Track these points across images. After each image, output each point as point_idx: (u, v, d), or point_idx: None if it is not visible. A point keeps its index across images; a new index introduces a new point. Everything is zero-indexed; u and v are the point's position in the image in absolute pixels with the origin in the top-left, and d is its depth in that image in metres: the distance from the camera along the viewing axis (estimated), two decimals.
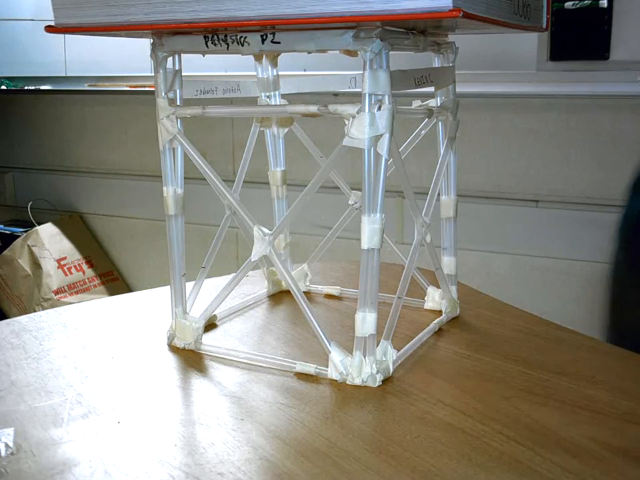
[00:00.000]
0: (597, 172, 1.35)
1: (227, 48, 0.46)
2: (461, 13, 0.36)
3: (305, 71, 1.76)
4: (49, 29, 0.47)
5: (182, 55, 0.50)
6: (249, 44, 0.45)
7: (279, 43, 0.44)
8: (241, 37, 0.45)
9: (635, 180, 0.81)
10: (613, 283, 0.78)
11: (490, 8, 0.41)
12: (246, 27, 0.43)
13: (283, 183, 0.63)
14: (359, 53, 0.43)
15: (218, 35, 0.46)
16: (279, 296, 0.65)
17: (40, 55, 2.33)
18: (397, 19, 0.38)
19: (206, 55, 0.50)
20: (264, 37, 0.44)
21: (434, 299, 0.60)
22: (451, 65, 0.54)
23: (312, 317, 0.48)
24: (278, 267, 0.50)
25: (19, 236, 2.20)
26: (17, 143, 2.07)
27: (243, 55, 0.47)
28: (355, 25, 0.41)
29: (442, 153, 0.55)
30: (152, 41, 0.49)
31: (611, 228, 1.35)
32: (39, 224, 2.21)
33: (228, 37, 0.45)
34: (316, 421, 0.42)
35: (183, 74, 0.50)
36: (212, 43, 0.46)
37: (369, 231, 0.44)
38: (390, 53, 0.43)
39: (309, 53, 0.44)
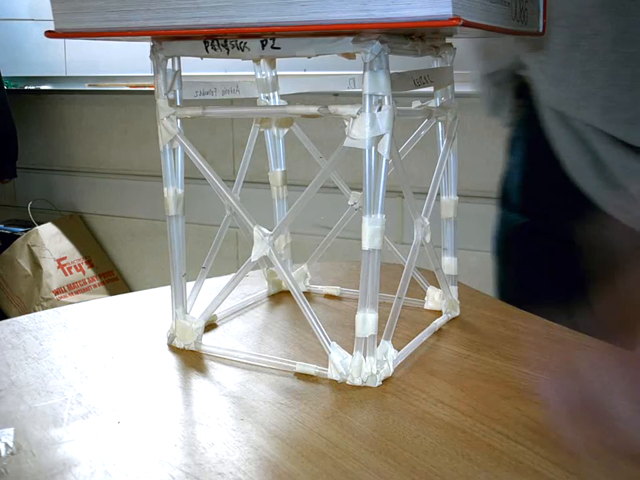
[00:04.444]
0: None
1: (227, 53, 0.46)
2: (461, 21, 0.36)
3: (305, 71, 1.76)
4: (49, 34, 0.47)
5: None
6: (249, 49, 0.45)
7: (279, 48, 0.44)
8: (241, 42, 0.45)
9: (501, 194, 0.81)
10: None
11: (489, 15, 0.41)
12: (246, 33, 0.43)
13: (284, 184, 0.63)
14: (357, 55, 0.43)
15: (218, 40, 0.46)
16: (278, 296, 0.65)
17: (40, 55, 2.33)
18: (397, 27, 0.38)
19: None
20: (264, 43, 0.44)
21: (434, 299, 0.60)
22: (449, 65, 0.54)
23: (312, 317, 0.48)
24: (278, 267, 0.50)
25: (19, 236, 2.20)
26: (17, 143, 2.07)
27: (243, 59, 0.47)
28: (355, 31, 0.41)
29: (441, 153, 0.55)
30: (152, 44, 0.49)
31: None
32: (39, 224, 2.21)
33: (228, 42, 0.45)
34: (316, 421, 0.42)
35: (183, 74, 0.50)
36: (212, 48, 0.46)
37: (370, 231, 0.44)
38: (389, 55, 0.43)
39: (309, 57, 0.44)
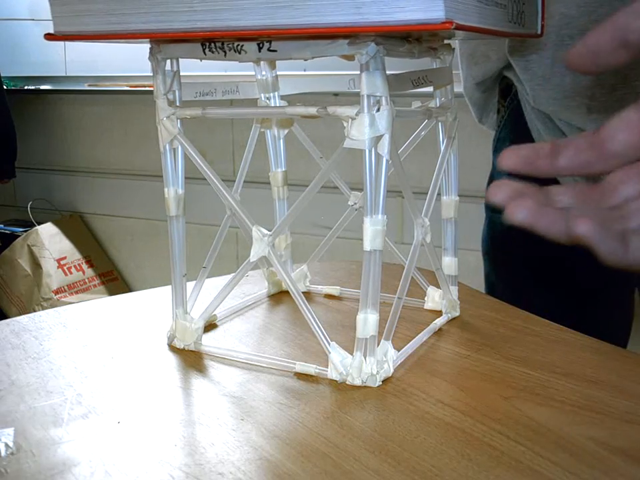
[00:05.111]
0: None
1: (225, 55, 0.46)
2: (454, 25, 0.36)
3: (304, 71, 1.76)
4: (48, 36, 0.47)
5: None
6: (245, 52, 0.45)
7: (276, 51, 0.44)
8: (238, 45, 0.45)
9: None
10: None
11: (484, 17, 0.41)
12: (242, 36, 0.43)
13: (284, 184, 0.63)
14: (355, 56, 0.43)
15: (215, 42, 0.46)
16: (278, 296, 0.65)
17: (40, 55, 2.33)
18: (391, 30, 0.38)
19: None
20: (260, 45, 0.44)
21: (434, 299, 0.60)
22: (447, 66, 0.54)
23: (311, 318, 0.48)
24: (277, 267, 0.50)
25: (19, 236, 2.20)
26: (17, 143, 2.07)
27: (240, 62, 0.47)
28: (350, 34, 0.41)
29: (442, 153, 0.55)
30: (150, 46, 0.49)
31: None
32: (39, 224, 2.21)
33: (225, 45, 0.45)
34: (316, 421, 0.42)
35: (183, 74, 0.50)
36: (209, 50, 0.46)
37: (371, 232, 0.44)
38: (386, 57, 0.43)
39: (306, 60, 0.45)
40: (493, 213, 0.80)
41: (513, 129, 0.77)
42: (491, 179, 0.81)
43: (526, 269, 0.79)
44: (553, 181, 0.37)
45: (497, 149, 0.80)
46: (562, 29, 0.63)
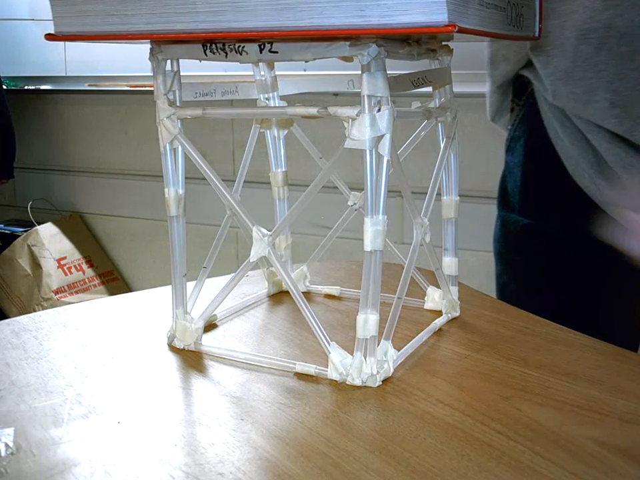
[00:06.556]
0: None
1: (226, 56, 0.46)
2: (456, 28, 0.37)
3: (305, 71, 1.76)
4: (49, 37, 0.47)
5: None
6: (247, 53, 0.45)
7: (277, 52, 0.44)
8: (239, 46, 0.45)
9: (501, 195, 0.81)
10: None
11: (484, 21, 0.42)
12: (244, 37, 0.43)
13: (285, 184, 0.63)
14: (354, 57, 0.43)
15: (216, 43, 0.46)
16: (279, 296, 0.65)
17: (40, 55, 2.33)
18: (394, 32, 0.38)
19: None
20: (262, 47, 0.44)
21: (434, 299, 0.60)
22: (446, 66, 0.54)
23: (311, 318, 0.48)
24: (277, 267, 0.50)
25: (19, 236, 2.20)
26: (16, 143, 2.07)
27: (241, 63, 0.47)
28: (352, 36, 0.41)
29: (441, 153, 0.55)
30: (151, 46, 0.49)
31: None
32: (39, 224, 2.21)
33: (226, 46, 0.46)
34: (316, 421, 0.42)
35: (183, 74, 0.50)
36: (210, 51, 0.46)
37: (372, 232, 0.44)
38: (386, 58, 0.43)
39: (306, 61, 0.45)
40: (505, 212, 0.80)
41: (528, 128, 0.76)
42: (504, 178, 0.81)
43: (538, 269, 0.79)
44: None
45: (511, 148, 0.80)
46: (585, 23, 0.62)
